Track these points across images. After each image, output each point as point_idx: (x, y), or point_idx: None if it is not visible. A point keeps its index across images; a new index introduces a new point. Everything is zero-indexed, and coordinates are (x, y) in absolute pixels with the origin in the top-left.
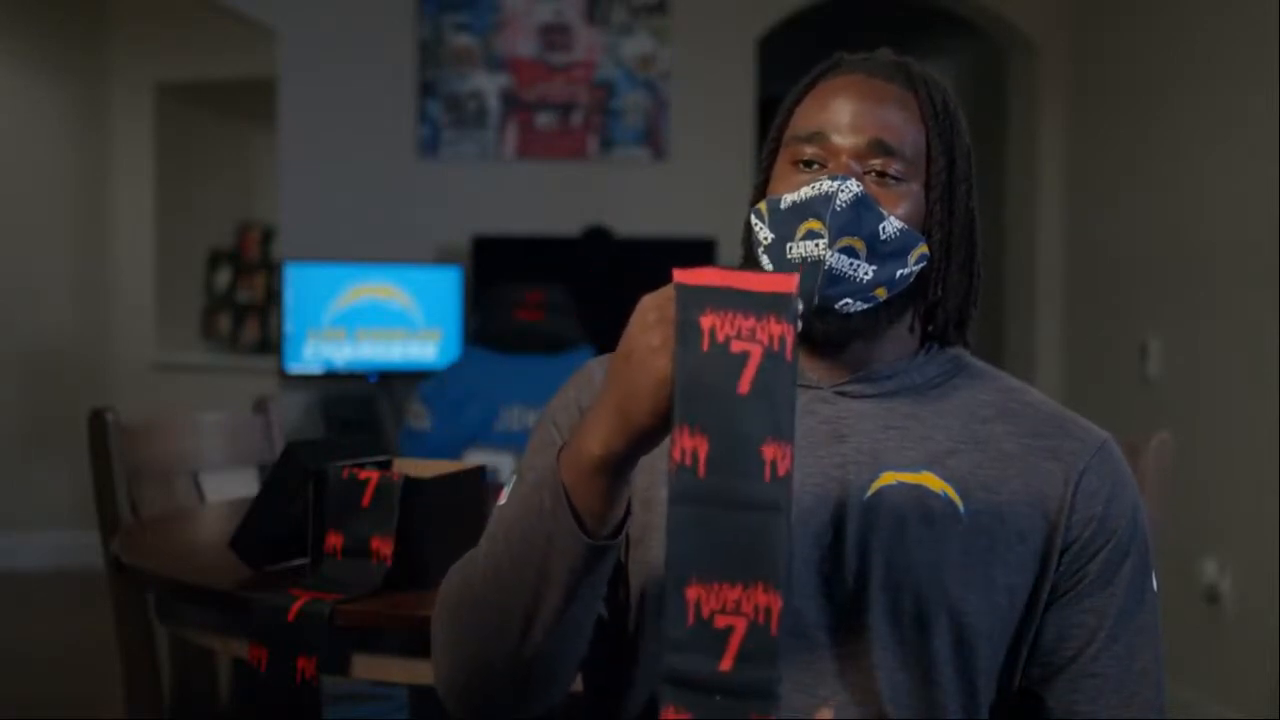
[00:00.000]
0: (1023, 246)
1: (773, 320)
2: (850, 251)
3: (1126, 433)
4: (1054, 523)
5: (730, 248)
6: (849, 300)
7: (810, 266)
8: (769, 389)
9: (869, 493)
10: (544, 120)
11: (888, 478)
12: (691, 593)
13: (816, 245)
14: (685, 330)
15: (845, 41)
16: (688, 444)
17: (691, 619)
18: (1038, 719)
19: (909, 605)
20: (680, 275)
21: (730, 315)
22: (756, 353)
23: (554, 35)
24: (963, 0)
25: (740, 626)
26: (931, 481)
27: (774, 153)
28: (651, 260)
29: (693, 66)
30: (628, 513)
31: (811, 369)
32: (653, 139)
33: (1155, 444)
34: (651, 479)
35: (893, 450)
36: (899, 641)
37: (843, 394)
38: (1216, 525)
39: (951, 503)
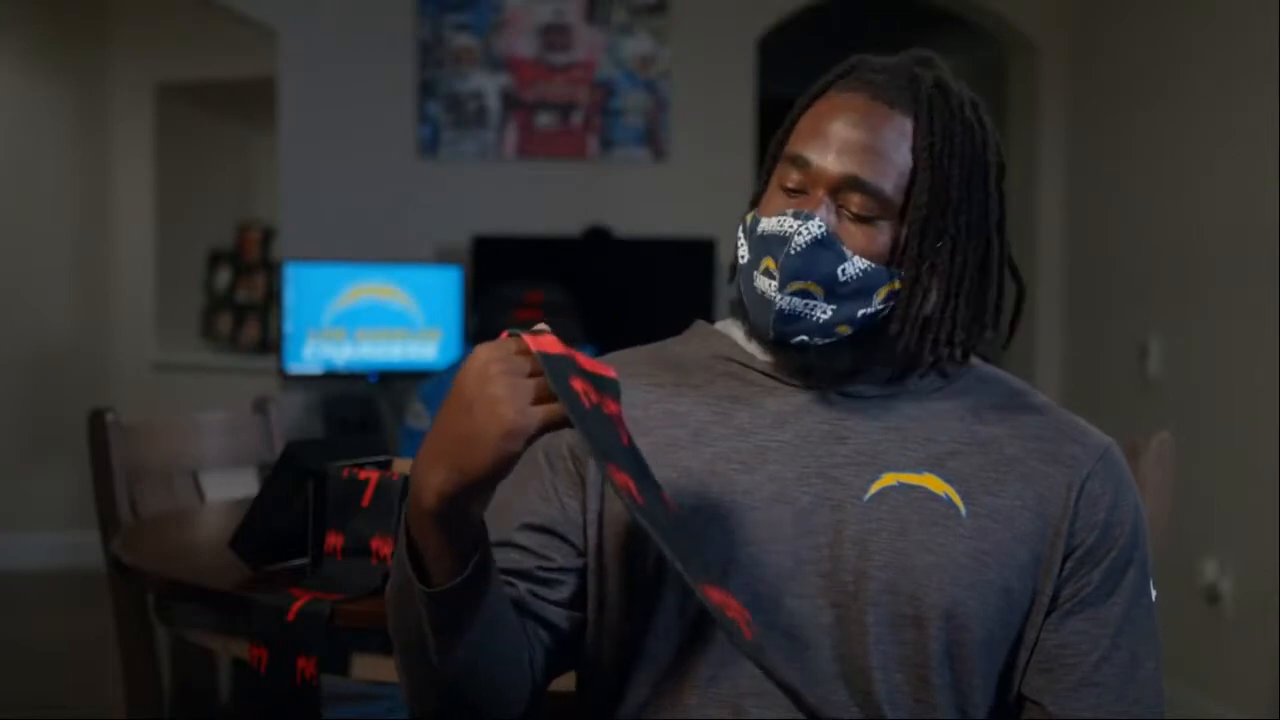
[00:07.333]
0: (1023, 246)
1: (610, 399)
2: (804, 294)
3: (1127, 433)
4: (1056, 528)
5: (730, 248)
6: (805, 338)
7: (765, 303)
8: (636, 448)
9: (869, 494)
10: (544, 120)
11: (889, 479)
12: (704, 590)
13: (770, 285)
14: (566, 391)
15: (845, 42)
16: (620, 478)
17: (716, 604)
18: None
19: (908, 607)
20: (531, 341)
21: (588, 384)
22: (618, 417)
23: (554, 35)
24: (963, 0)
25: (739, 618)
26: (933, 483)
27: (776, 158)
28: (651, 260)
29: (693, 66)
30: (476, 551)
31: (812, 370)
32: (653, 139)
33: (1156, 444)
34: None
35: (894, 451)
36: (897, 643)
37: (844, 395)
38: (1216, 525)
39: (953, 504)
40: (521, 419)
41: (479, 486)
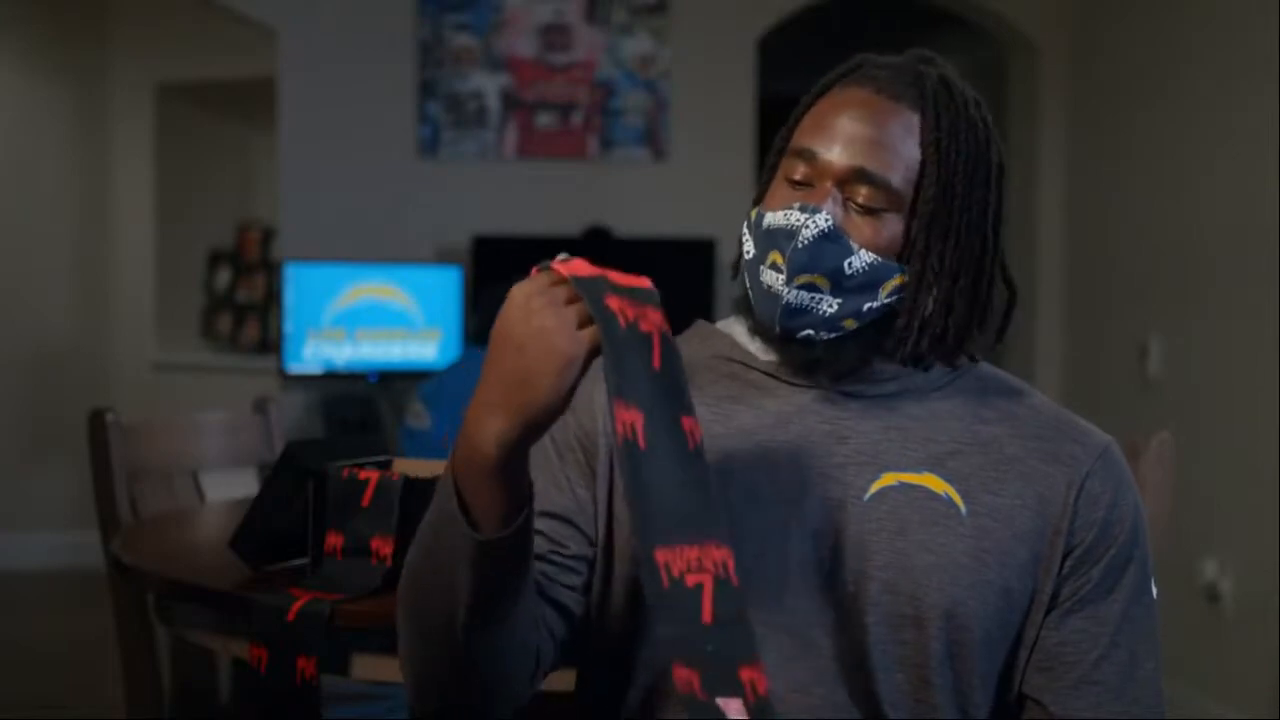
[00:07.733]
0: (1023, 246)
1: (651, 309)
2: (811, 287)
3: (1127, 433)
4: (1055, 527)
5: (730, 247)
6: (811, 331)
7: (771, 297)
8: (672, 366)
9: (870, 493)
10: (544, 120)
11: (889, 478)
12: (660, 556)
13: (777, 279)
14: (602, 312)
15: (845, 42)
16: (625, 417)
17: (666, 581)
18: None
19: (908, 607)
20: (561, 268)
21: (625, 300)
22: (656, 333)
23: (554, 35)
24: (963, 0)
25: (708, 583)
26: (933, 483)
27: (780, 153)
28: (651, 260)
29: (693, 66)
30: (529, 502)
31: (817, 366)
32: (653, 139)
33: (1156, 444)
34: None
35: (894, 451)
36: (897, 643)
37: (846, 394)
38: (1216, 525)
39: (953, 504)
40: (573, 345)
41: (539, 426)
